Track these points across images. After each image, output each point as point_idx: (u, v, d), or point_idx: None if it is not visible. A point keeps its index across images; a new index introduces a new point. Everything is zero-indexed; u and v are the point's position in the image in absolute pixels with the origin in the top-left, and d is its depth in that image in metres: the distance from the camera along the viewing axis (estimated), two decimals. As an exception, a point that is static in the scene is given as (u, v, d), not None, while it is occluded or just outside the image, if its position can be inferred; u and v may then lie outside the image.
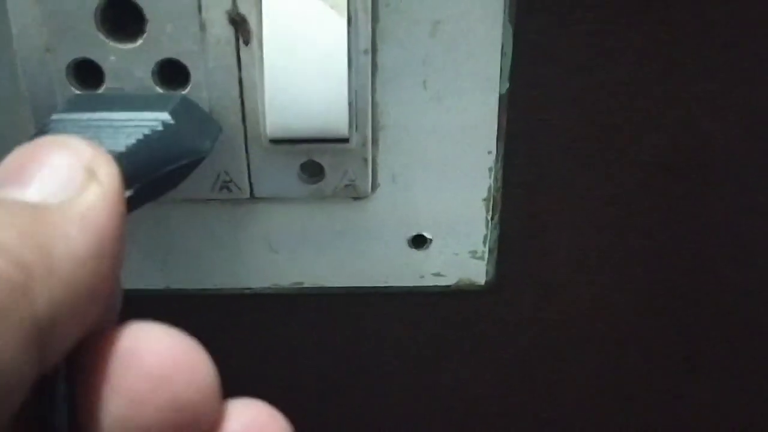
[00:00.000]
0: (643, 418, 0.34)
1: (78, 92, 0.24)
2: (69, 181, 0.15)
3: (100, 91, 0.24)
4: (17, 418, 0.14)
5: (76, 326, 0.14)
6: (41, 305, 0.13)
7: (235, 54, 0.24)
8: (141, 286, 0.28)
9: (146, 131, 0.22)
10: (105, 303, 0.15)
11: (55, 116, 0.22)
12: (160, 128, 0.22)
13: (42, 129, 0.22)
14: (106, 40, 0.24)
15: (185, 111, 0.24)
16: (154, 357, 0.15)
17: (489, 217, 0.28)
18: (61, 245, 0.14)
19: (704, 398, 0.34)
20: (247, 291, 0.29)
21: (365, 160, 0.26)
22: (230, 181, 0.26)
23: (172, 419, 0.15)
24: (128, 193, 0.21)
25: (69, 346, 0.15)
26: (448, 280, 0.29)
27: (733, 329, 0.32)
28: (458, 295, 0.30)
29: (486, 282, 0.29)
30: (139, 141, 0.21)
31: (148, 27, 0.24)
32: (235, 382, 0.31)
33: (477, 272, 0.29)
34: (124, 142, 0.21)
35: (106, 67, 0.24)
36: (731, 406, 0.34)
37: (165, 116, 0.23)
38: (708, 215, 0.29)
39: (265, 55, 0.24)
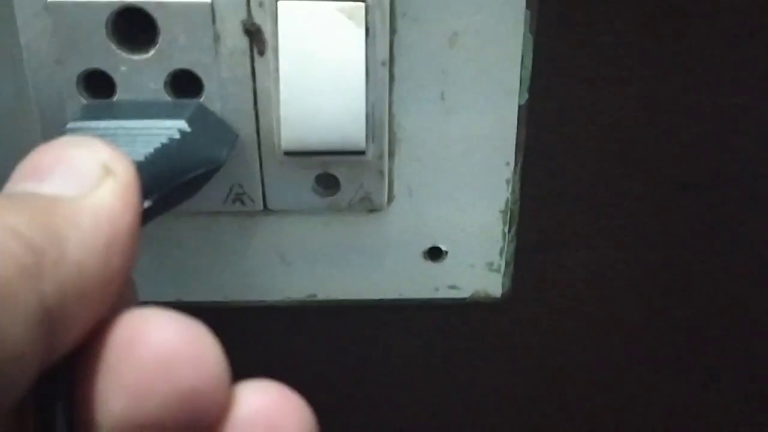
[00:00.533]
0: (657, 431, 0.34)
1: (87, 102, 0.24)
2: (85, 176, 0.15)
3: (111, 100, 0.24)
4: (18, 417, 0.14)
5: (84, 316, 0.14)
6: (50, 289, 0.13)
7: (249, 65, 0.24)
8: (152, 298, 0.28)
9: (164, 140, 0.21)
10: (114, 296, 0.15)
11: (71, 125, 0.22)
12: (177, 137, 0.22)
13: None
14: (118, 51, 0.23)
15: (201, 119, 0.23)
16: (154, 346, 0.14)
17: (506, 230, 0.28)
18: (74, 234, 0.14)
19: (720, 410, 0.33)
20: (260, 304, 0.28)
21: (381, 172, 0.25)
22: (243, 193, 0.26)
23: (177, 410, 0.14)
24: (147, 204, 0.20)
25: (76, 336, 0.14)
26: (464, 292, 0.29)
27: (752, 342, 0.31)
28: (473, 308, 0.29)
29: (502, 294, 0.29)
30: (156, 150, 0.21)
31: (161, 37, 0.23)
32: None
33: (493, 285, 0.29)
34: (143, 151, 0.21)
35: (117, 77, 0.23)
36: (749, 416, 0.33)
37: (182, 124, 0.22)
38: (725, 230, 0.29)
39: (280, 66, 0.23)
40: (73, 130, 0.22)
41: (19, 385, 0.13)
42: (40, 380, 0.14)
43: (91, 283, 0.14)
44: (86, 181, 0.15)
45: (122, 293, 0.16)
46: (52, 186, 0.15)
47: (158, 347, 0.14)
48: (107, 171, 0.16)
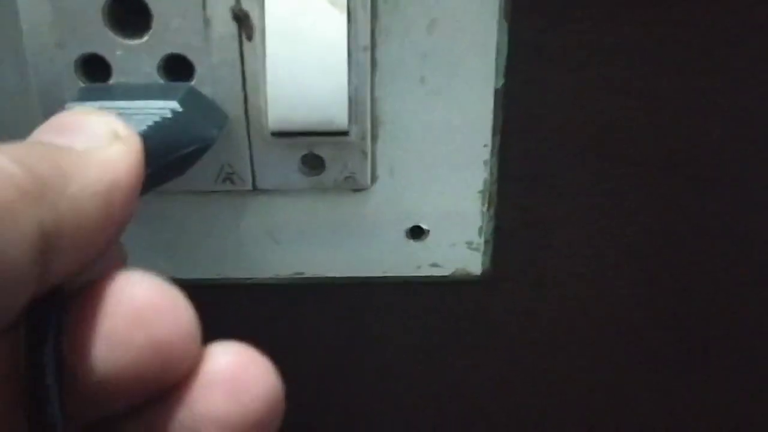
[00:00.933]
0: (637, 409, 0.35)
1: (84, 86, 0.25)
2: (97, 136, 0.17)
3: (107, 83, 0.25)
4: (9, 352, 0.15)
5: (78, 251, 0.16)
6: (49, 216, 0.14)
7: (238, 49, 0.25)
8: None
9: (157, 118, 0.23)
10: (107, 245, 0.16)
11: (69, 105, 0.23)
12: (170, 116, 0.23)
13: None
14: (114, 36, 0.24)
15: (193, 100, 0.24)
16: (134, 300, 0.16)
17: (485, 209, 0.29)
18: (78, 175, 0.16)
19: (697, 391, 0.34)
20: (249, 281, 0.30)
21: (364, 153, 0.27)
22: (233, 173, 0.27)
23: (150, 359, 0.16)
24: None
25: (69, 270, 0.15)
26: (445, 270, 0.30)
27: (727, 323, 0.33)
28: (454, 286, 0.31)
29: (482, 272, 0.30)
30: (150, 127, 0.22)
31: (154, 23, 0.24)
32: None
33: (473, 263, 0.30)
34: (137, 128, 0.22)
35: (113, 61, 0.25)
36: (724, 397, 0.35)
37: (174, 104, 0.23)
38: (701, 210, 0.30)
39: (267, 51, 0.24)
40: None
41: (12, 307, 0.14)
42: (31, 313, 0.15)
43: (88, 222, 0.15)
44: (97, 140, 0.17)
45: (113, 253, 0.18)
46: (65, 140, 0.17)
47: (137, 302, 0.16)
48: (116, 136, 0.17)
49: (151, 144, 0.22)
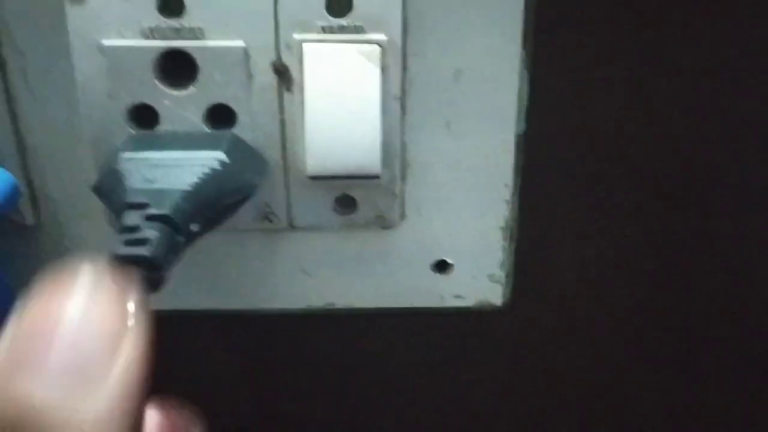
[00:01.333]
0: (647, 425, 0.36)
1: (134, 132, 0.27)
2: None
3: (156, 130, 0.27)
4: None
5: None
6: None
7: (278, 99, 0.27)
8: (188, 306, 0.31)
9: (206, 170, 0.24)
10: None
11: (125, 155, 0.25)
12: (218, 167, 0.25)
13: (113, 167, 0.25)
14: (162, 87, 0.26)
15: (236, 148, 0.26)
16: None
17: (506, 245, 0.30)
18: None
19: (708, 409, 0.36)
20: (284, 311, 0.31)
21: (394, 194, 0.29)
22: (271, 212, 0.29)
23: None
24: (194, 227, 0.24)
25: None
26: (468, 301, 0.32)
27: (743, 344, 0.34)
28: (477, 315, 0.32)
29: (503, 303, 0.32)
30: (201, 179, 0.24)
31: (200, 75, 0.26)
32: (271, 392, 0.34)
33: (494, 294, 0.31)
34: (189, 180, 0.24)
35: (161, 110, 0.26)
36: (735, 417, 0.36)
37: (221, 155, 0.25)
38: (710, 238, 0.32)
39: (305, 101, 0.26)
40: (128, 161, 0.25)
41: None
42: None
43: None
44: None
45: None
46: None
47: None
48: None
49: (201, 196, 0.24)
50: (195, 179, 0.24)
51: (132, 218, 0.23)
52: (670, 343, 0.34)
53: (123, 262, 0.22)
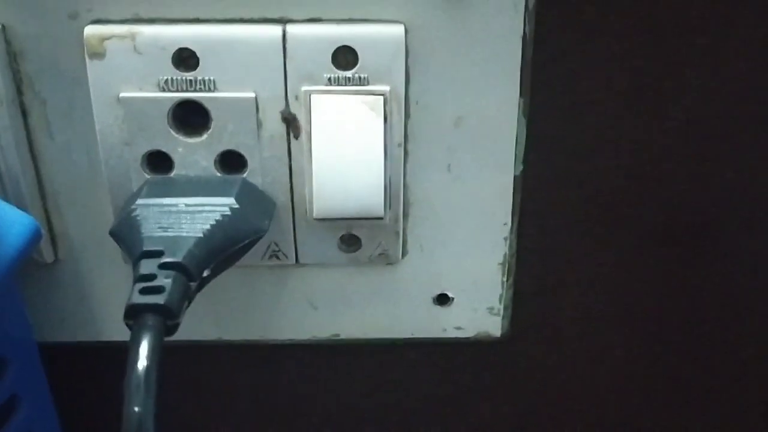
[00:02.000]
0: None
1: (149, 177, 0.28)
2: None
3: (170, 175, 0.28)
4: None
5: None
6: None
7: (286, 146, 0.28)
8: (198, 337, 0.32)
9: (218, 216, 0.26)
10: None
11: (140, 201, 0.26)
12: (228, 213, 0.26)
13: (129, 214, 0.26)
14: (176, 135, 0.28)
15: (247, 193, 0.28)
16: None
17: (504, 279, 0.32)
18: None
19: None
20: (291, 342, 0.33)
21: (397, 233, 0.30)
22: (279, 250, 0.30)
23: None
24: (206, 273, 0.25)
25: None
26: (468, 333, 0.33)
27: (736, 383, 0.35)
28: (477, 347, 0.34)
29: (501, 335, 0.33)
30: (212, 226, 0.25)
31: (213, 124, 0.27)
32: (276, 422, 0.35)
33: (494, 326, 0.33)
34: (201, 227, 0.25)
35: (175, 157, 0.28)
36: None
37: (232, 201, 0.26)
38: (701, 278, 0.33)
39: (312, 147, 0.27)
40: (143, 207, 0.26)
41: None
42: None
43: None
44: None
45: None
46: None
47: None
48: None
49: (213, 242, 0.26)
50: (207, 226, 0.26)
51: (147, 267, 0.24)
52: (670, 379, 0.35)
53: (139, 310, 0.23)
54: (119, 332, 0.32)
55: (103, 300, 0.32)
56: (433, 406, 0.35)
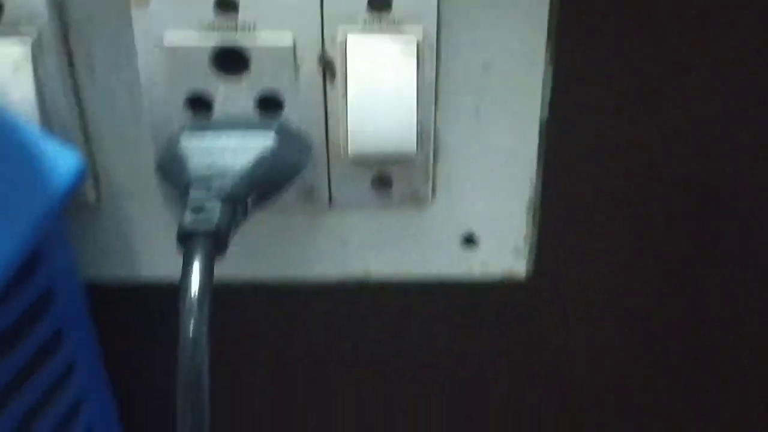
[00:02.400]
0: (668, 407, 0.39)
1: (192, 120, 0.29)
2: None
3: (211, 118, 0.29)
4: None
5: None
6: None
7: (322, 88, 0.29)
8: (237, 275, 0.34)
9: (258, 152, 0.27)
10: None
11: (184, 138, 0.28)
12: (268, 150, 0.27)
13: (175, 151, 0.27)
14: (217, 78, 0.29)
15: (284, 134, 0.29)
16: None
17: (530, 220, 0.33)
18: None
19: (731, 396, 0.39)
20: (325, 279, 0.34)
21: (427, 174, 0.31)
22: (313, 191, 0.31)
23: None
24: (249, 203, 0.26)
25: None
26: (494, 273, 0.34)
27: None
28: (502, 287, 0.35)
29: (526, 275, 0.34)
30: (254, 161, 0.27)
31: (252, 66, 0.29)
32: (305, 359, 0.37)
33: (519, 267, 0.34)
34: (244, 162, 0.27)
35: (216, 99, 0.29)
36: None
37: (271, 139, 0.28)
38: (718, 226, 0.34)
39: (348, 90, 0.28)
40: (188, 143, 0.27)
41: None
42: None
43: None
44: None
45: None
46: None
47: None
48: None
49: (253, 178, 0.27)
50: (249, 160, 0.27)
51: (196, 196, 0.25)
52: (695, 319, 0.37)
53: (191, 234, 0.25)
54: (158, 270, 0.34)
55: (142, 239, 0.33)
56: (459, 345, 0.37)
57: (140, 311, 0.36)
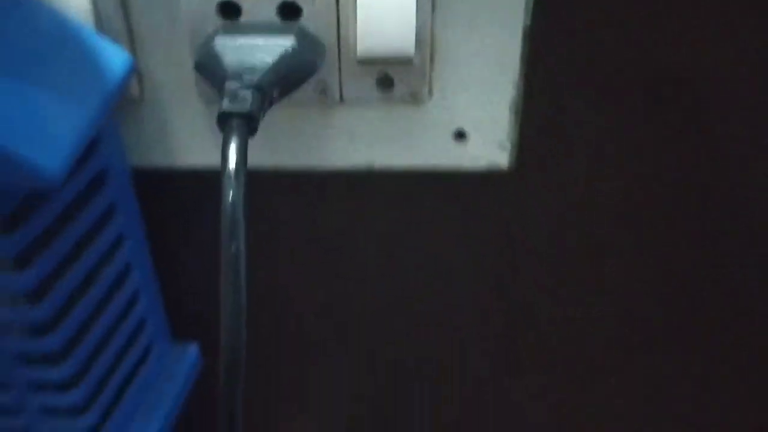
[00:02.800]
0: (647, 293, 0.45)
1: (223, 24, 0.34)
2: None
3: (239, 21, 0.34)
4: None
5: None
6: None
7: (335, -3, 0.34)
8: (258, 164, 0.39)
9: (281, 51, 0.32)
10: None
11: (218, 39, 0.33)
12: (290, 49, 0.32)
13: (211, 48, 0.32)
14: (245, -13, 0.34)
15: (303, 37, 0.34)
16: None
17: (512, 119, 0.38)
18: None
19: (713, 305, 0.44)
20: (334, 168, 0.40)
21: (424, 75, 0.36)
22: (326, 88, 0.36)
23: None
24: (275, 93, 0.32)
25: None
26: (480, 165, 0.39)
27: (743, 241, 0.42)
28: (488, 178, 0.40)
29: (509, 166, 0.40)
30: (278, 58, 0.32)
31: (275, -23, 0.33)
32: (323, 237, 0.43)
33: (502, 160, 0.39)
34: (270, 58, 0.32)
35: (243, 5, 0.34)
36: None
37: (292, 41, 0.33)
38: (693, 122, 0.39)
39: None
40: (222, 42, 0.32)
41: None
42: None
43: None
44: None
45: None
46: None
47: None
48: None
49: (278, 73, 0.32)
50: (274, 58, 0.32)
51: (232, 85, 0.31)
52: (675, 213, 0.42)
53: (229, 116, 0.30)
54: (194, 158, 0.39)
55: (179, 131, 0.39)
56: (449, 226, 0.43)
57: (178, 195, 0.41)
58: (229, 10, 0.34)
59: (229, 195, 0.29)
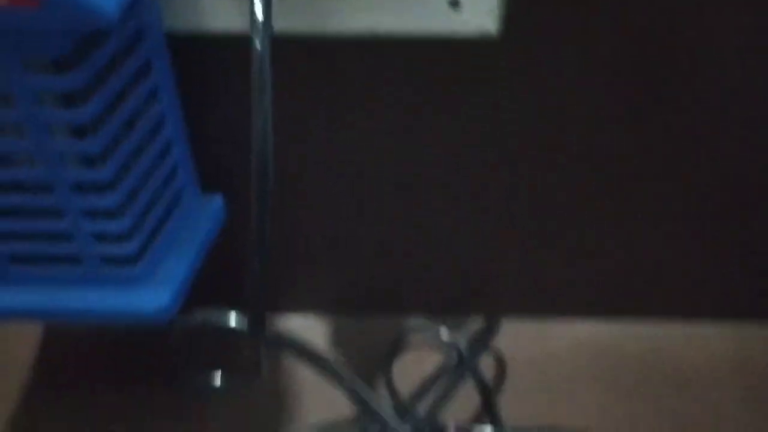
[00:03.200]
0: (636, 161, 0.50)
1: None
2: None
3: None
4: None
5: None
6: None
7: None
8: (281, 28, 0.44)
9: None
10: None
11: None
12: None
13: None
14: None
15: None
16: None
17: (501, -12, 0.43)
18: None
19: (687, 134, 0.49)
20: (342, 33, 0.45)
21: (423, -56, 0.41)
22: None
23: None
24: None
25: None
26: (472, 31, 0.44)
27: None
28: (478, 45, 0.45)
29: (498, 33, 0.45)
30: None
31: None
32: (331, 98, 0.48)
33: (492, 26, 0.44)
34: None
35: None
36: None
37: None
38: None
39: None
40: None
41: None
42: None
43: None
44: None
45: None
46: None
47: None
48: None
49: None
50: None
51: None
52: (665, 83, 0.46)
53: None
54: (220, 22, 0.44)
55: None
56: (443, 86, 0.48)
57: (206, 58, 0.46)
58: None
59: (257, 43, 0.34)
